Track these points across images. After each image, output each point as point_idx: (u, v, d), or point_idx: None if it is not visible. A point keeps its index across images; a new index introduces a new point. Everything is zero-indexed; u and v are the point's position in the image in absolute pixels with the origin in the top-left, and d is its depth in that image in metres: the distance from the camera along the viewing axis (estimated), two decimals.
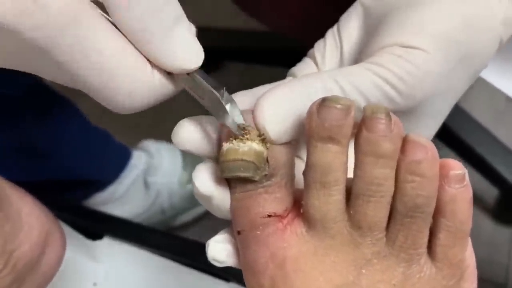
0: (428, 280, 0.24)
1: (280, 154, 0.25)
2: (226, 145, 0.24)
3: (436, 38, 0.25)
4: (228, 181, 0.26)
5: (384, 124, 0.22)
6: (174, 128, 0.25)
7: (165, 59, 0.22)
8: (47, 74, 0.22)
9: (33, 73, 0.23)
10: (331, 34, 0.30)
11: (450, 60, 0.26)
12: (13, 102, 0.60)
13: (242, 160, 0.24)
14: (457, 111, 0.81)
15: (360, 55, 0.28)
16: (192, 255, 0.56)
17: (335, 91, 0.25)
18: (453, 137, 0.81)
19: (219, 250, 0.27)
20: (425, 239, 0.24)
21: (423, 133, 0.28)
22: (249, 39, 1.01)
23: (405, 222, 0.24)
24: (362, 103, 0.25)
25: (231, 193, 0.25)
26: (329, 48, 0.29)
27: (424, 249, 0.24)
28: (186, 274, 0.56)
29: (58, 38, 0.19)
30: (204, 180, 0.25)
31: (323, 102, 0.23)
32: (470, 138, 0.81)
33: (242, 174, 0.24)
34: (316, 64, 0.30)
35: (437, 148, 0.24)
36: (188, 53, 0.23)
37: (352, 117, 0.23)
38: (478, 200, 0.81)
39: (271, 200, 0.25)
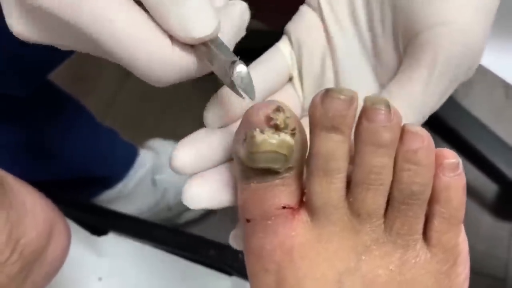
0: (424, 264, 0.25)
1: (301, 148, 0.25)
2: (258, 136, 0.23)
3: (479, 11, 0.26)
4: (240, 172, 0.25)
5: (383, 114, 0.23)
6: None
7: (175, 29, 0.23)
8: (80, 47, 0.24)
9: (68, 48, 0.24)
10: None
11: (487, 31, 0.26)
12: (22, 102, 0.60)
13: (276, 152, 0.23)
14: (457, 108, 0.81)
15: (394, 27, 0.28)
16: (195, 250, 0.56)
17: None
18: (452, 133, 0.81)
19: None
20: (421, 225, 0.25)
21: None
22: (248, 39, 1.00)
23: (402, 209, 0.24)
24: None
25: (244, 183, 0.25)
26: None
27: (419, 235, 0.25)
28: (190, 269, 0.56)
29: (77, 12, 0.22)
30: (200, 195, 0.26)
31: (327, 93, 0.23)
32: (470, 134, 0.81)
33: (273, 166, 0.24)
34: (322, 14, 0.29)
35: (436, 143, 0.24)
36: (199, 22, 0.23)
37: (355, 107, 0.23)
38: (477, 196, 0.82)
39: (287, 192, 0.25)
